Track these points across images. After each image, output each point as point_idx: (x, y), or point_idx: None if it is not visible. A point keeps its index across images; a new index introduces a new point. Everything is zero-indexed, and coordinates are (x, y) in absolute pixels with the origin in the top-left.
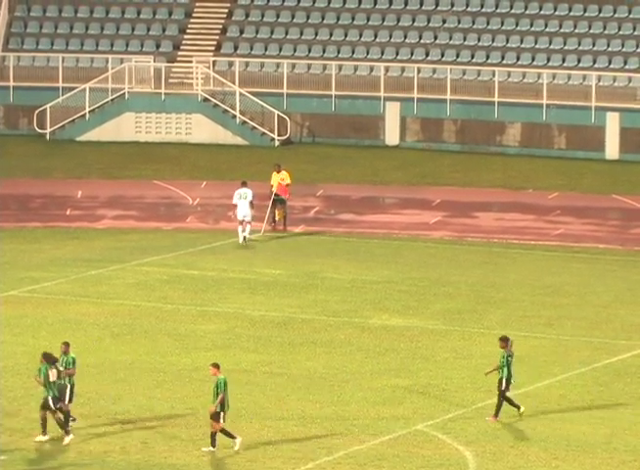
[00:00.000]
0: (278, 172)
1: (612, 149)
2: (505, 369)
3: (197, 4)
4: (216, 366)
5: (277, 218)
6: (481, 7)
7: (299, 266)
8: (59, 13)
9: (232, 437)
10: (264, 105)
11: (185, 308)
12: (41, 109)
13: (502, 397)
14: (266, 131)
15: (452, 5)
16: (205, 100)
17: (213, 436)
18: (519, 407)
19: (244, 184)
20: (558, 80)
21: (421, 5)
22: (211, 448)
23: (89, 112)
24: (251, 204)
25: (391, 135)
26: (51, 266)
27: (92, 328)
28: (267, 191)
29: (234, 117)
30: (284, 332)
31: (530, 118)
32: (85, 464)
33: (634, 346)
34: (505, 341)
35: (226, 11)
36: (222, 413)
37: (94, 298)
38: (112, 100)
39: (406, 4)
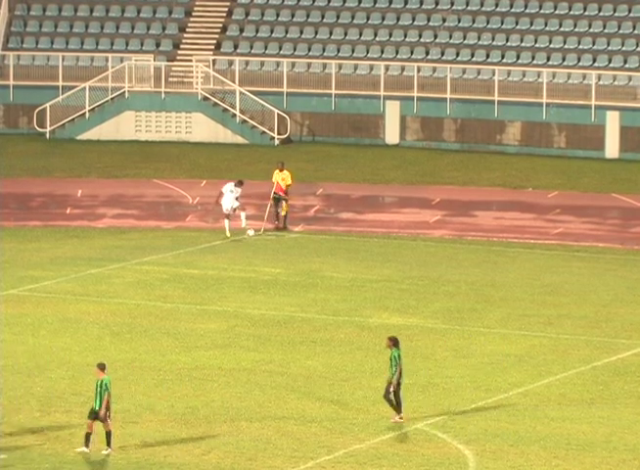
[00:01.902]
0: (280, 171)
1: (611, 148)
2: (395, 369)
3: (197, 3)
4: (102, 368)
5: (284, 213)
6: (481, 6)
7: (299, 265)
8: (59, 12)
9: (109, 443)
10: (264, 104)
11: (185, 307)
12: (41, 108)
13: (394, 395)
14: (266, 130)
15: (452, 4)
16: (205, 99)
17: (89, 435)
18: (400, 413)
19: (239, 183)
20: (558, 79)
21: (421, 4)
22: (82, 448)
23: (89, 111)
24: (237, 200)
25: (391, 134)
26: (51, 265)
27: (92, 327)
28: (268, 190)
29: (234, 115)
30: (284, 331)
31: (530, 117)
32: (85, 463)
33: (634, 345)
34: (392, 340)
35: (226, 10)
36: (108, 413)
37: (94, 296)
38: (111, 99)
39: (406, 3)
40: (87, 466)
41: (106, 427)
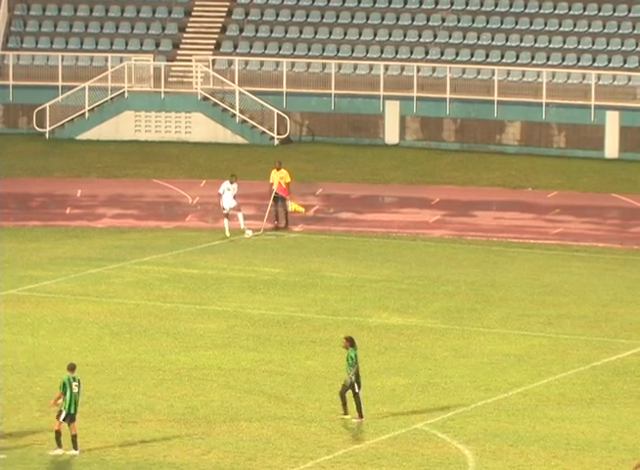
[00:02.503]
0: (278, 170)
1: (611, 148)
2: (352, 369)
3: (196, 3)
4: (71, 368)
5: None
6: (481, 6)
7: (299, 265)
8: (58, 12)
9: (59, 443)
10: (264, 104)
11: (184, 307)
12: (41, 108)
13: (355, 397)
14: (266, 130)
15: (452, 4)
16: (205, 99)
17: (74, 437)
18: (346, 413)
19: (234, 179)
20: (557, 79)
21: (420, 4)
22: (71, 451)
23: (89, 111)
24: (234, 198)
25: (391, 134)
26: (50, 265)
27: (91, 327)
28: (267, 190)
29: (233, 115)
30: (283, 331)
31: (530, 117)
32: (84, 463)
33: (633, 344)
34: (349, 340)
35: (225, 10)
36: (61, 412)
37: (93, 296)
38: (111, 99)
39: (405, 3)
40: (86, 466)
41: (55, 426)
